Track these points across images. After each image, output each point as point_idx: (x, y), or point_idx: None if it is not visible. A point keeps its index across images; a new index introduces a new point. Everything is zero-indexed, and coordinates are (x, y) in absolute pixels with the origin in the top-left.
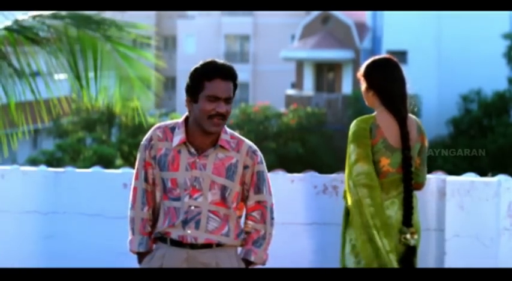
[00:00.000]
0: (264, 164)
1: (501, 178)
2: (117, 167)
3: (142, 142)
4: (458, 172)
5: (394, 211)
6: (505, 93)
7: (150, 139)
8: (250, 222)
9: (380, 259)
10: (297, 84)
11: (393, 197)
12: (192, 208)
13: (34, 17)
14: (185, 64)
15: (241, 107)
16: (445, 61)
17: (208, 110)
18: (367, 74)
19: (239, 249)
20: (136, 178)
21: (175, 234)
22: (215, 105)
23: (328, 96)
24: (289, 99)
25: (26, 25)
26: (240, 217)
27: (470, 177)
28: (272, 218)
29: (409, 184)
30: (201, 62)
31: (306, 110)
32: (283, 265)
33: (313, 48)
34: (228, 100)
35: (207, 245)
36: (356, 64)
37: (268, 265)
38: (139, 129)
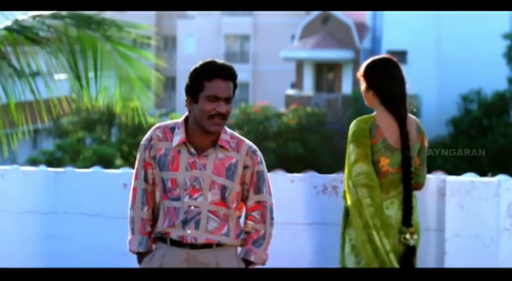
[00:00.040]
0: (264, 164)
1: (501, 178)
2: (117, 167)
3: (142, 142)
4: (458, 172)
5: (393, 211)
6: (505, 93)
7: (150, 139)
8: (250, 222)
9: (380, 259)
10: (297, 84)
11: (393, 197)
12: (192, 208)
13: (34, 17)
14: (185, 64)
15: (241, 107)
16: (445, 61)
17: (208, 110)
18: (366, 74)
19: (239, 249)
20: (136, 178)
21: (175, 234)
22: (215, 105)
23: (328, 96)
24: (289, 99)
25: (26, 25)
26: (239, 217)
27: (470, 177)
28: (272, 218)
29: (409, 183)
30: (200, 62)
31: (305, 110)
32: (283, 265)
33: (313, 48)
34: (228, 100)
35: (207, 245)
36: (356, 64)
37: (268, 265)
38: (139, 129)
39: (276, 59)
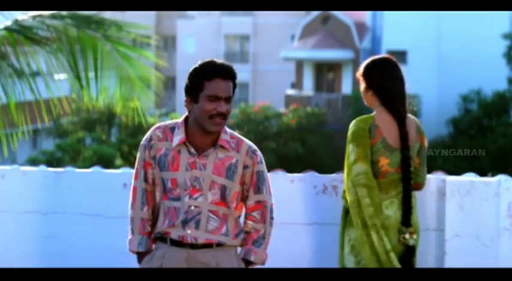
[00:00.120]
0: (264, 164)
1: (501, 178)
2: (117, 167)
3: (142, 142)
4: (458, 172)
5: (393, 211)
6: (505, 93)
7: (150, 139)
8: (250, 222)
9: (379, 259)
10: (297, 84)
11: (392, 197)
12: (192, 207)
13: (34, 17)
14: (185, 64)
15: (241, 107)
16: (445, 61)
17: (209, 109)
18: (366, 74)
19: (239, 249)
20: (136, 178)
21: (175, 234)
22: (216, 105)
23: (328, 96)
24: (289, 99)
25: (26, 25)
26: (239, 216)
27: (470, 177)
28: (271, 218)
29: (408, 183)
30: (199, 62)
31: (305, 110)
32: (283, 265)
33: (313, 48)
34: (228, 99)
35: (207, 245)
36: (356, 64)
37: (268, 265)
38: (139, 129)
39: (276, 59)
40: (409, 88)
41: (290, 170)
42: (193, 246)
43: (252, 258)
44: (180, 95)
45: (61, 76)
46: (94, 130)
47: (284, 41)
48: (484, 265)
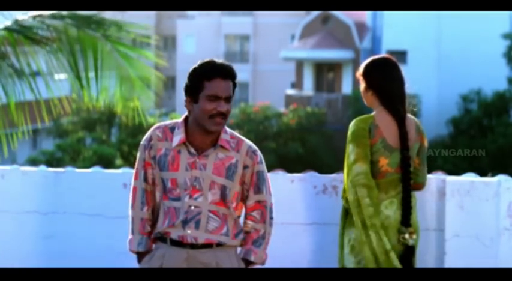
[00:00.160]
0: (264, 164)
1: (501, 178)
2: (117, 167)
3: (141, 142)
4: (458, 172)
5: (392, 211)
6: (505, 93)
7: (150, 139)
8: (249, 222)
9: (378, 259)
10: (297, 84)
11: (392, 196)
12: (192, 207)
13: (34, 17)
14: (185, 64)
15: (241, 107)
16: (445, 61)
17: (209, 109)
18: (366, 74)
19: (239, 249)
20: (136, 178)
21: (175, 234)
22: (216, 104)
23: (328, 96)
24: (289, 99)
25: (26, 25)
26: (239, 216)
27: (470, 177)
28: (271, 218)
29: (408, 183)
30: (199, 62)
31: (305, 110)
32: (282, 265)
33: (313, 48)
34: (228, 99)
35: (207, 245)
36: (356, 64)
37: (268, 265)
38: (139, 129)
39: (276, 59)
40: (409, 88)
41: (290, 170)
42: (193, 246)
43: (252, 258)
44: (180, 95)
45: (61, 76)
46: (94, 130)
47: (284, 41)
48: (484, 265)
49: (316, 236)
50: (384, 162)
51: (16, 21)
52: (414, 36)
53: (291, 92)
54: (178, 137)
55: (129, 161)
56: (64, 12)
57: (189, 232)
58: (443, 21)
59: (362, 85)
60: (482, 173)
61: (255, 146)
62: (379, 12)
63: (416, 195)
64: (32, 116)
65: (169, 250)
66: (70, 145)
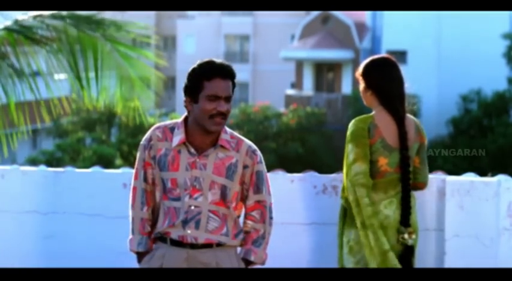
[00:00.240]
0: (264, 163)
1: (501, 178)
2: (117, 167)
3: (141, 142)
4: (458, 172)
5: (392, 211)
6: (505, 93)
7: (150, 139)
8: (249, 222)
9: (377, 259)
10: (297, 84)
11: (391, 196)
12: (192, 207)
13: (34, 17)
14: (185, 64)
15: (241, 107)
16: (445, 61)
17: (209, 109)
18: (365, 74)
19: (238, 249)
20: (136, 178)
21: (175, 234)
22: (216, 104)
23: (327, 96)
24: (289, 99)
25: (26, 25)
26: (238, 216)
27: (470, 177)
28: (271, 218)
29: (407, 183)
30: (198, 62)
31: (305, 110)
32: (282, 265)
33: (313, 48)
34: (228, 99)
35: (207, 245)
36: (356, 64)
37: (267, 265)
38: (139, 129)
39: (275, 59)
40: (409, 88)
41: (290, 170)
42: (193, 246)
43: (252, 258)
44: (180, 95)
45: (61, 76)
46: (94, 130)
47: (284, 41)
48: (483, 265)
49: (315, 236)
50: (383, 162)
51: (16, 21)
52: (414, 36)
53: (290, 92)
54: (178, 137)
55: (129, 161)
56: (64, 12)
57: (189, 232)
58: (443, 21)
59: (361, 85)
60: (482, 173)
61: (254, 146)
62: (379, 12)
63: (416, 195)
64: (32, 116)
65: (169, 250)
66: (70, 145)
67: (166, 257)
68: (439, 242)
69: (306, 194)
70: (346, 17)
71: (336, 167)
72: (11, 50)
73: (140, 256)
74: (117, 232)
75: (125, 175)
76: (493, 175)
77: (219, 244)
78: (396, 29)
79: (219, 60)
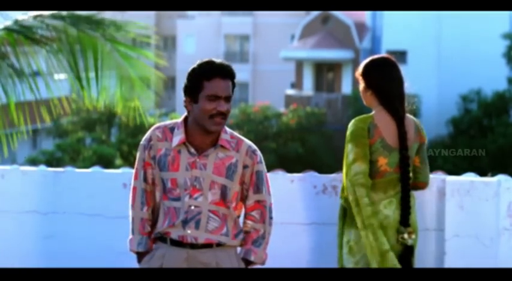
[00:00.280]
0: (264, 163)
1: (501, 178)
2: (117, 167)
3: (141, 142)
4: (458, 172)
5: (391, 211)
6: (505, 93)
7: (150, 139)
8: (249, 222)
9: (375, 259)
10: (297, 84)
11: (391, 196)
12: (192, 207)
13: (34, 17)
14: (185, 64)
15: (241, 107)
16: (445, 61)
17: (209, 109)
18: (365, 74)
19: (238, 249)
20: (136, 178)
21: (175, 234)
22: (216, 104)
23: (327, 96)
24: (288, 99)
25: (26, 25)
26: (238, 216)
27: (470, 177)
28: (271, 218)
29: (406, 183)
30: (198, 62)
31: (305, 110)
32: (282, 265)
33: (313, 48)
34: (228, 99)
35: (207, 245)
36: (356, 64)
37: (267, 265)
38: (139, 129)
39: (275, 59)
40: (409, 88)
41: (290, 170)
42: (193, 246)
43: (252, 258)
44: (180, 95)
45: (61, 76)
46: (94, 130)
47: (284, 41)
48: (483, 265)
49: (315, 236)
50: (382, 162)
51: (16, 21)
52: (414, 36)
53: (290, 92)
54: (178, 137)
55: (129, 161)
56: (64, 12)
57: (189, 232)
58: (443, 21)
59: (361, 85)
60: (482, 173)
61: (254, 146)
62: (379, 12)
63: (416, 195)
64: (32, 116)
65: (169, 250)
66: (70, 145)
67: (166, 257)
68: (439, 242)
69: (305, 194)
70: (346, 17)
71: (336, 167)
72: (11, 50)
73: (140, 256)
74: (117, 232)
75: (125, 175)
76: (493, 175)
77: (219, 244)
78: (396, 29)
79: (218, 60)
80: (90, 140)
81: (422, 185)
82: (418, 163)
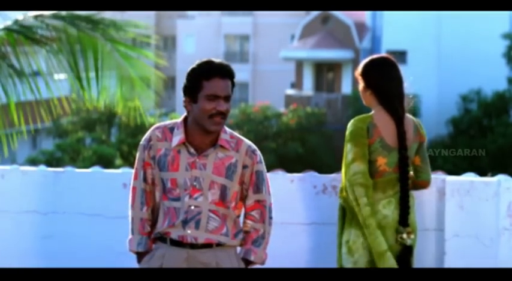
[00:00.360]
0: (263, 163)
1: (501, 178)
2: (117, 167)
3: (141, 142)
4: (458, 172)
5: (390, 211)
6: (505, 93)
7: (149, 139)
8: (249, 221)
9: (375, 259)
10: (297, 84)
11: (390, 196)
12: (192, 207)
13: (34, 17)
14: (185, 64)
15: (241, 107)
16: (445, 61)
17: (208, 109)
18: (364, 73)
19: (238, 249)
20: (136, 178)
21: (175, 234)
22: (215, 104)
23: (327, 96)
24: (288, 99)
25: (26, 25)
26: (238, 216)
27: (470, 177)
28: (271, 218)
29: (405, 183)
30: (197, 62)
31: (305, 110)
32: (282, 265)
33: (312, 48)
34: (227, 98)
35: (207, 245)
36: (356, 64)
37: (267, 265)
38: (139, 129)
39: (275, 59)
40: (409, 88)
41: (290, 170)
42: (193, 246)
43: (252, 258)
44: (180, 95)
45: (61, 76)
46: (94, 130)
47: (284, 41)
48: (483, 265)
49: (315, 236)
50: (382, 161)
51: (16, 21)
52: (414, 36)
53: (290, 92)
54: (178, 137)
55: (129, 161)
56: (64, 12)
57: (189, 232)
58: (443, 20)
59: (361, 84)
60: (482, 173)
61: (254, 146)
62: (378, 12)
63: (416, 195)
64: (32, 116)
65: (169, 250)
66: (70, 145)
67: (166, 257)
68: (439, 242)
69: (305, 194)
70: (346, 17)
71: (336, 167)
72: (11, 50)
73: (140, 256)
74: (117, 232)
75: (125, 175)
76: (493, 175)
77: (218, 244)
78: (396, 29)
79: (218, 60)
80: (90, 140)
81: (424, 183)
82: (418, 162)
